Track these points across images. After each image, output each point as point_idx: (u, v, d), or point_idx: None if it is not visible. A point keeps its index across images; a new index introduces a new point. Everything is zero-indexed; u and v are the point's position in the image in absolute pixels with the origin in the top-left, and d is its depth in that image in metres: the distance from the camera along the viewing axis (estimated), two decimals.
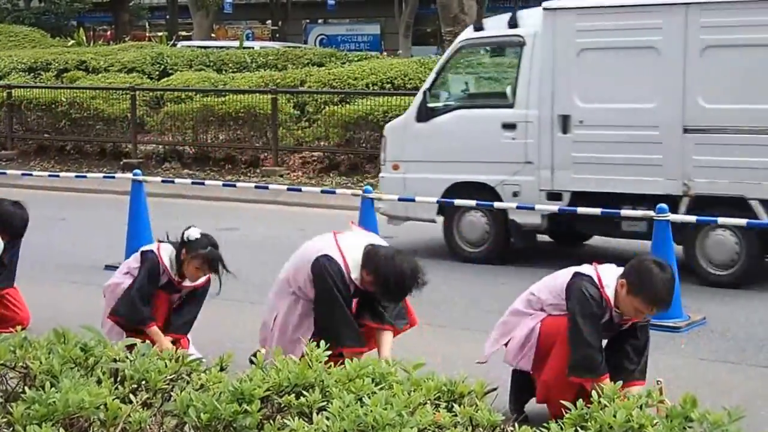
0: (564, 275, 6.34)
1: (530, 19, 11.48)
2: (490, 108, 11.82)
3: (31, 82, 22.06)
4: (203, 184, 14.07)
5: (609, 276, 6.16)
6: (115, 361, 3.99)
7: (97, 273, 10.84)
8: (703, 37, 10.35)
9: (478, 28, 12.09)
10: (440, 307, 9.50)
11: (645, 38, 10.69)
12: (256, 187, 13.70)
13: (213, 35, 41.20)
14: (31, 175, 15.65)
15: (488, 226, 11.62)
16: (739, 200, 10.27)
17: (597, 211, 10.06)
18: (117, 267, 9.95)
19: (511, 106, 11.46)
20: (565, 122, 11.02)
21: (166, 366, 3.90)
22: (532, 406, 6.44)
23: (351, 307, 6.67)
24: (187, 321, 7.55)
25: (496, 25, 11.96)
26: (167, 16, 45.87)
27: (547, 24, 11.17)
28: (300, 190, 13.70)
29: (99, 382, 3.75)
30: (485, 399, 3.76)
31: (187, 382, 3.88)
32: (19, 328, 4.42)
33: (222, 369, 3.97)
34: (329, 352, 3.96)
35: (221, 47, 25.89)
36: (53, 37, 30.61)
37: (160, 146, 19.65)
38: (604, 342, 6.27)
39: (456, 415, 3.51)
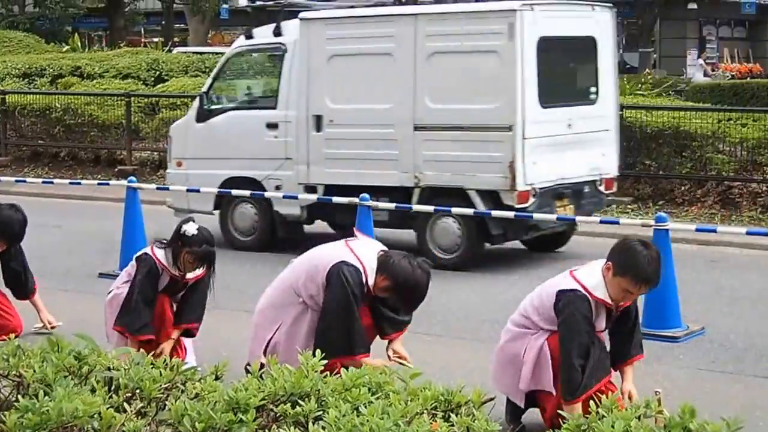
0: (548, 293, 6.26)
1: (292, 28, 12.58)
2: (256, 109, 13.12)
3: (25, 87, 22.05)
4: (198, 191, 14.01)
5: (591, 277, 6.13)
6: (109, 369, 3.96)
7: (92, 281, 10.82)
8: (429, 44, 11.61)
9: (249, 36, 13.31)
10: (436, 316, 9.47)
11: (382, 45, 11.94)
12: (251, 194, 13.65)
13: (209, 41, 41.20)
14: (24, 181, 15.64)
15: (257, 217, 12.77)
16: (459, 191, 11.50)
17: (313, 197, 11.91)
18: (112, 275, 9.98)
19: (274, 107, 12.63)
20: (318, 122, 12.23)
21: (160, 375, 3.87)
22: (529, 416, 6.41)
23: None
24: (197, 309, 7.63)
25: (264, 34, 13.10)
26: (163, 22, 45.84)
27: (303, 33, 12.35)
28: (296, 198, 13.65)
29: (93, 390, 3.72)
30: (482, 409, 3.73)
31: (182, 391, 3.85)
32: (12, 335, 4.38)
33: (217, 378, 3.94)
34: (325, 361, 3.92)
35: (217, 53, 25.86)
36: (48, 42, 30.59)
37: (155, 153, 19.58)
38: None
39: (453, 425, 3.49)
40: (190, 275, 7.46)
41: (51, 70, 22.79)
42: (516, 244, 12.21)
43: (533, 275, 11.06)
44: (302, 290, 6.64)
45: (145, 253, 7.42)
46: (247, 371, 4.10)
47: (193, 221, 7.41)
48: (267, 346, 6.65)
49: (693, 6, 42.96)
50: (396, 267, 6.47)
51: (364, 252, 6.60)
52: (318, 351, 4.03)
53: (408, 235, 12.03)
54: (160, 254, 7.35)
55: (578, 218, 11.28)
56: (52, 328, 8.60)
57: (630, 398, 6.06)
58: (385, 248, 6.77)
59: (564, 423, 3.50)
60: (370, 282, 6.48)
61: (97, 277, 10.93)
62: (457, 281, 10.95)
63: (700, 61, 38.57)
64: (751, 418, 6.33)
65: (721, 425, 3.34)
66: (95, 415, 3.52)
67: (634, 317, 6.34)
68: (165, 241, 7.41)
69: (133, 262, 7.54)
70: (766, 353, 8.38)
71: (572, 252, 12.58)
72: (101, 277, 10.84)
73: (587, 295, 6.04)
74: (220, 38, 48.56)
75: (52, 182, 14.92)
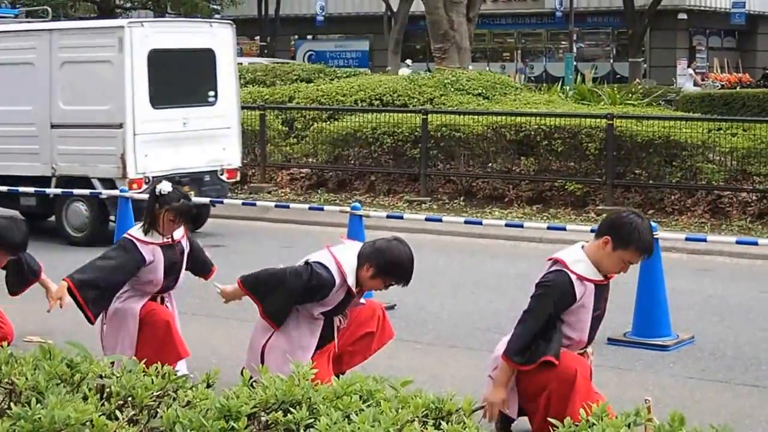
0: None
1: None
2: None
3: None
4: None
5: (571, 255, 6.22)
6: (101, 377, 3.96)
7: None
8: (61, 55, 14.02)
9: None
10: (427, 325, 9.49)
11: (26, 56, 14.32)
12: (243, 203, 13.67)
13: None
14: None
15: None
16: (86, 179, 13.83)
17: None
18: None
19: None
20: None
21: (152, 382, 3.88)
22: (519, 425, 6.41)
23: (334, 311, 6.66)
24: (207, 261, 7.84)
25: None
26: None
27: None
28: (288, 207, 13.69)
29: (85, 398, 3.72)
30: (473, 417, 3.74)
31: (174, 399, 3.85)
32: (5, 343, 4.39)
33: (209, 386, 3.95)
34: (315, 370, 3.94)
35: None
36: None
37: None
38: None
39: None
40: (177, 235, 7.47)
41: None
42: (509, 256, 12.20)
43: (525, 283, 11.09)
44: None
45: (125, 237, 7.45)
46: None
47: (166, 180, 7.46)
48: (262, 354, 6.66)
49: (683, 16, 43.12)
50: (371, 251, 6.53)
51: (344, 254, 6.63)
52: (309, 360, 4.06)
53: None
54: (138, 233, 7.38)
55: (570, 227, 11.28)
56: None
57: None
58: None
59: (554, 431, 3.52)
60: (350, 280, 6.51)
61: None
62: (449, 290, 10.98)
63: (690, 70, 38.68)
64: (740, 427, 6.36)
65: None
66: (87, 423, 3.52)
67: None
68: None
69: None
70: (755, 362, 8.41)
71: None
72: None
73: (567, 271, 6.12)
74: None
75: (44, 191, 14.88)
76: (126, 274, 7.31)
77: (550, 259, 6.35)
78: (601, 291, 6.23)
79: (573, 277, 6.13)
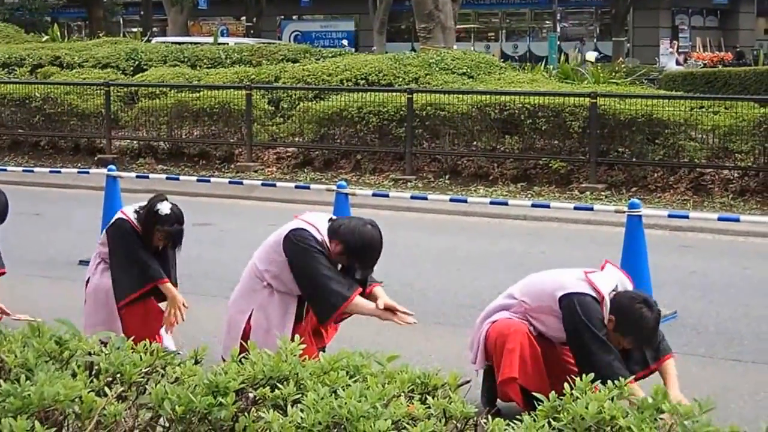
0: (549, 282, 6.36)
1: None
2: None
3: (5, 77, 21.94)
4: (178, 179, 14.04)
5: (606, 288, 6.20)
6: (90, 354, 4.00)
7: (72, 268, 10.84)
8: None
9: None
10: (413, 302, 9.53)
11: None
12: (230, 182, 13.71)
13: (188, 31, 41.11)
14: (5, 170, 15.57)
15: None
16: None
17: None
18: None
19: None
20: None
21: (141, 359, 3.92)
22: (503, 403, 6.47)
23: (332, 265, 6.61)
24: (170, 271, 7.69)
25: None
26: (141, 12, 45.71)
27: None
28: (274, 186, 13.69)
29: (74, 375, 3.76)
30: (459, 391, 3.78)
31: (162, 375, 3.89)
32: None
33: (197, 362, 3.99)
34: (303, 346, 3.98)
35: (195, 43, 25.82)
36: (27, 32, 30.42)
37: (135, 142, 19.59)
38: None
39: (429, 407, 3.54)
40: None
41: (30, 60, 22.69)
42: (493, 233, 12.25)
43: (509, 261, 11.16)
44: (265, 275, 6.68)
45: (119, 218, 7.46)
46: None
47: (167, 200, 7.48)
48: (243, 335, 6.67)
49: None
50: (346, 230, 6.54)
51: (314, 219, 6.69)
52: (297, 336, 4.10)
53: None
54: (133, 217, 7.42)
55: (554, 204, 11.35)
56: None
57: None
58: (333, 216, 6.87)
59: (539, 405, 3.57)
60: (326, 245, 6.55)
61: (77, 264, 10.94)
62: (434, 267, 11.02)
63: (672, 50, 38.72)
64: (722, 401, 6.42)
65: (693, 406, 3.41)
66: (76, 399, 3.55)
67: None
68: (139, 210, 7.45)
69: (103, 236, 7.57)
70: (737, 337, 8.49)
71: (549, 237, 12.69)
72: (81, 264, 10.85)
73: (600, 301, 6.14)
74: (198, 28, 48.49)
75: (32, 170, 14.90)
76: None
77: (587, 283, 6.24)
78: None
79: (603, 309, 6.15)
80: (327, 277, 6.46)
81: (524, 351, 6.22)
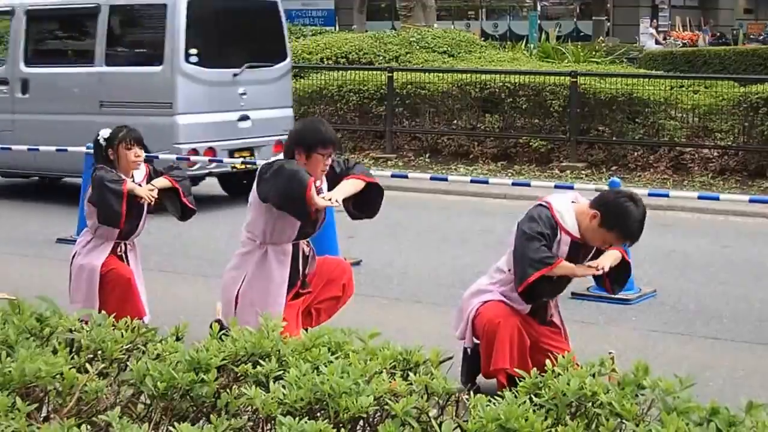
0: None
1: None
2: None
3: None
4: (157, 157, 13.97)
5: (559, 202, 6.24)
6: (71, 331, 3.99)
7: (50, 246, 10.81)
8: None
9: None
10: (393, 280, 9.54)
11: None
12: (210, 160, 13.64)
13: None
14: None
15: None
16: None
17: None
18: (70, 240, 9.96)
19: None
20: None
21: (122, 336, 3.91)
22: (483, 379, 6.49)
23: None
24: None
25: None
26: None
27: None
28: (254, 164, 13.64)
29: (55, 351, 3.74)
30: (440, 368, 3.79)
31: (143, 352, 3.88)
32: None
33: (178, 339, 3.97)
34: (285, 323, 3.97)
35: None
36: None
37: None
38: None
39: (411, 384, 3.54)
40: (138, 175, 7.50)
41: None
42: (473, 212, 12.26)
43: (490, 240, 11.17)
44: (255, 230, 6.66)
45: (95, 169, 7.44)
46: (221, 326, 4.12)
47: (103, 129, 7.50)
48: (236, 301, 6.67)
49: None
50: (291, 134, 6.71)
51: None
52: (279, 313, 4.11)
53: None
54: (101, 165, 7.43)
55: (534, 183, 11.37)
56: None
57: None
58: None
59: (521, 381, 3.58)
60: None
61: (55, 242, 10.91)
62: (414, 246, 11.03)
63: (651, 29, 38.75)
64: (701, 378, 6.45)
65: (674, 382, 3.42)
66: (57, 376, 3.54)
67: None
68: (98, 160, 7.45)
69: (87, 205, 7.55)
70: (716, 315, 8.52)
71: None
72: (59, 242, 10.83)
73: (551, 212, 6.17)
74: None
75: (9, 149, 14.77)
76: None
77: (539, 201, 6.34)
78: (577, 249, 6.25)
79: (556, 217, 6.17)
80: (294, 170, 6.39)
81: (513, 342, 6.24)
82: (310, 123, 6.80)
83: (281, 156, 6.78)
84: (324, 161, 6.57)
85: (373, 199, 6.92)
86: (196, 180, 13.24)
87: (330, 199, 6.47)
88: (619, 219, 6.08)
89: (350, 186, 6.70)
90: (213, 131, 13.21)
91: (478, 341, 6.44)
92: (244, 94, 13.51)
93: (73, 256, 7.56)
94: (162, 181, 7.48)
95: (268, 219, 6.61)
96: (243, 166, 12.70)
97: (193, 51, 13.00)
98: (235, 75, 13.44)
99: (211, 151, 13.12)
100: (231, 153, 13.34)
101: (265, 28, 14.15)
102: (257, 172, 6.60)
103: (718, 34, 40.45)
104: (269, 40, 14.10)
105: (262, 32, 14.15)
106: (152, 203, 7.40)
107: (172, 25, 12.82)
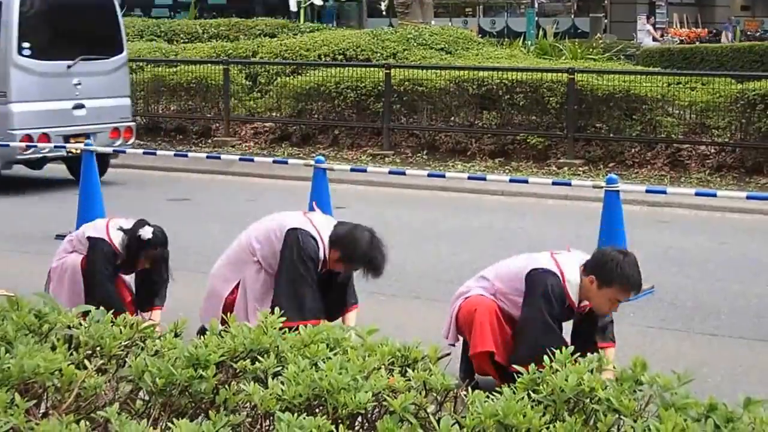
0: (519, 265, 6.38)
1: None
2: None
3: None
4: (155, 154, 14.01)
5: (571, 270, 6.20)
6: (69, 327, 3.99)
7: (48, 243, 10.78)
8: None
9: None
10: (391, 277, 9.52)
11: None
12: (207, 157, 13.65)
13: None
14: None
15: None
16: None
17: None
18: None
19: None
20: None
21: (120, 332, 3.91)
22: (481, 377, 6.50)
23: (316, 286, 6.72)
24: (159, 290, 7.63)
25: None
26: None
27: None
28: (252, 161, 13.65)
29: (53, 348, 3.75)
30: (438, 364, 3.79)
31: (142, 349, 3.89)
32: None
33: (176, 335, 3.98)
34: (283, 319, 3.98)
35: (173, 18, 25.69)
36: None
37: None
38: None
39: (410, 380, 3.55)
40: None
41: None
42: (471, 208, 12.25)
43: (487, 236, 11.18)
44: (257, 251, 6.76)
45: (102, 239, 7.39)
46: (202, 333, 4.14)
47: (148, 224, 7.41)
48: (225, 305, 6.73)
49: None
50: (343, 237, 6.67)
51: (320, 223, 6.73)
52: (276, 309, 4.12)
53: None
54: (116, 239, 7.36)
55: (531, 180, 11.37)
56: None
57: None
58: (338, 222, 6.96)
59: (519, 377, 3.58)
60: (324, 255, 6.64)
61: (53, 239, 10.90)
62: (412, 242, 11.03)
63: (648, 26, 38.72)
64: (699, 374, 6.44)
65: (672, 378, 3.43)
66: (56, 372, 3.55)
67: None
68: (123, 233, 7.39)
69: (84, 239, 7.50)
70: (713, 311, 8.53)
71: (527, 212, 12.70)
72: (58, 238, 10.81)
73: (563, 285, 6.16)
74: None
75: (8, 145, 14.76)
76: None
77: (551, 261, 6.27)
78: (570, 314, 6.28)
79: (567, 291, 6.18)
80: (309, 288, 6.59)
81: (493, 325, 6.26)
82: (368, 250, 6.70)
83: (323, 224, 6.80)
84: (352, 273, 6.82)
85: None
86: (37, 163, 14.61)
87: None
88: (613, 273, 6.07)
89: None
90: (47, 118, 14.19)
91: (462, 336, 6.48)
92: (78, 84, 14.58)
93: (54, 263, 7.58)
94: (158, 316, 7.53)
95: (274, 264, 6.73)
96: (77, 151, 12.75)
97: (26, 44, 13.99)
98: (69, 66, 14.49)
99: (45, 136, 14.03)
100: (66, 138, 14.26)
101: (101, 22, 15.21)
102: (286, 232, 6.67)
103: (714, 31, 40.43)
104: (104, 34, 15.19)
105: (97, 27, 15.24)
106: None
107: (6, 19, 13.84)
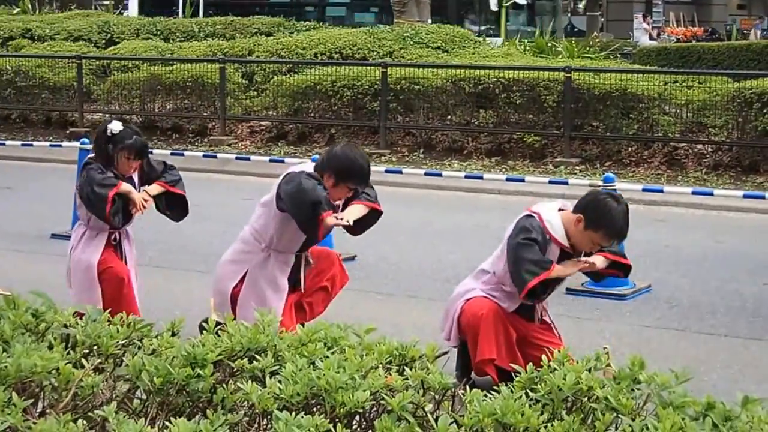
0: (503, 241, 6.42)
1: None
2: None
3: None
4: (151, 152, 13.97)
5: (547, 212, 6.27)
6: (66, 326, 3.98)
7: (44, 242, 10.79)
8: None
9: None
10: (388, 275, 9.55)
11: None
12: (204, 156, 13.66)
13: None
14: None
15: None
16: None
17: None
18: (64, 236, 9.96)
19: None
20: None
21: (117, 331, 3.91)
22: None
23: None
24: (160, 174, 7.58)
25: None
26: None
27: None
28: (249, 160, 13.67)
29: (51, 347, 3.74)
30: (436, 363, 3.79)
31: (139, 348, 3.88)
32: None
33: (174, 334, 3.98)
34: (280, 318, 3.98)
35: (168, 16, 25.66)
36: None
37: (107, 115, 19.45)
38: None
39: (407, 379, 3.55)
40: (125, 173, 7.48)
41: (1, 32, 22.51)
42: (468, 207, 12.27)
43: (484, 235, 11.18)
44: (258, 231, 6.71)
45: (87, 163, 7.39)
46: (203, 328, 4.13)
47: (116, 119, 7.38)
48: (233, 298, 6.71)
49: None
50: (325, 159, 6.65)
51: (302, 166, 6.78)
52: (273, 309, 4.12)
53: None
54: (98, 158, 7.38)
55: (528, 178, 11.38)
56: None
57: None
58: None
59: (516, 376, 3.58)
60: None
61: (49, 238, 10.90)
62: (409, 241, 11.03)
63: (644, 24, 38.75)
64: (695, 374, 6.43)
65: (669, 376, 3.43)
66: (53, 371, 3.54)
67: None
68: (97, 146, 7.37)
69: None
70: (710, 310, 8.54)
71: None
72: (54, 238, 10.82)
73: (541, 224, 6.19)
74: None
75: (4, 144, 14.76)
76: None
77: (527, 210, 6.35)
78: (565, 258, 6.28)
79: (546, 227, 6.20)
80: (313, 188, 6.43)
81: (499, 333, 6.27)
82: (354, 156, 6.68)
83: (308, 166, 6.75)
84: (349, 192, 6.70)
85: (369, 222, 6.93)
86: None
87: (342, 219, 6.50)
88: (603, 218, 6.11)
89: (362, 210, 6.77)
90: None
91: (464, 338, 6.47)
92: None
93: (71, 250, 7.55)
94: (156, 188, 7.46)
95: (279, 228, 6.69)
96: None
97: None
98: None
99: None
100: None
101: None
102: (279, 182, 6.63)
103: (710, 29, 40.47)
104: None
105: None
106: (143, 212, 7.39)
107: None
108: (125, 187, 7.25)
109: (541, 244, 6.18)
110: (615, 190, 9.05)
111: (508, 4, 28.90)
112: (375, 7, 29.80)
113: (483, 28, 28.40)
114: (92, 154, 7.48)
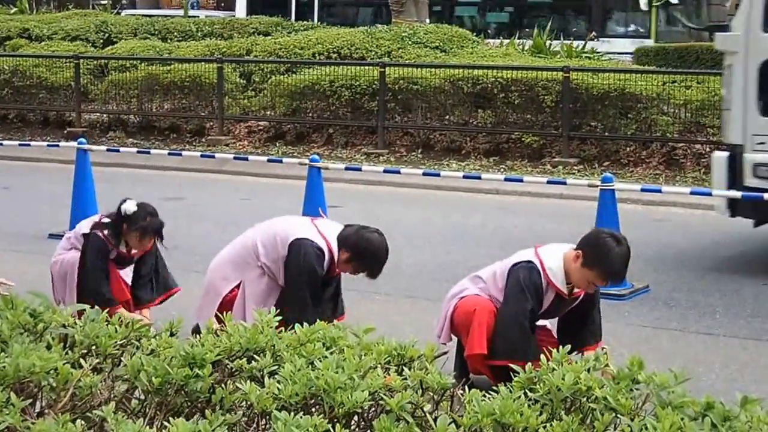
0: (506, 263, 6.43)
1: None
2: None
3: None
4: (149, 152, 14.00)
5: (551, 257, 6.23)
6: (64, 326, 3.98)
7: (41, 242, 10.78)
8: None
9: None
10: (386, 276, 9.50)
11: None
12: (201, 155, 13.63)
13: (158, 4, 40.81)
14: None
15: None
16: None
17: None
18: (62, 236, 9.93)
19: None
20: None
21: (116, 331, 3.90)
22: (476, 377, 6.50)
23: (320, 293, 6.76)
24: (147, 284, 7.61)
25: None
26: None
27: None
28: (246, 159, 13.65)
29: (49, 347, 3.73)
30: (435, 363, 3.79)
31: (137, 348, 3.87)
32: None
33: (172, 334, 3.97)
34: (279, 318, 3.98)
35: (166, 16, 25.66)
36: None
37: (105, 115, 19.47)
38: (555, 320, 6.40)
39: (406, 379, 3.54)
40: (135, 251, 7.48)
41: None
42: (466, 207, 12.26)
43: (482, 235, 11.18)
44: (261, 256, 6.77)
45: (94, 233, 7.37)
46: (196, 332, 4.13)
47: (130, 199, 7.36)
48: (222, 303, 6.73)
49: None
50: (353, 237, 6.67)
51: (328, 231, 6.73)
52: (273, 309, 4.12)
53: None
54: (107, 232, 7.35)
55: (526, 178, 11.38)
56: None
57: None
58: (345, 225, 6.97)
59: (515, 376, 3.58)
60: (333, 258, 6.65)
61: (46, 238, 10.89)
62: (407, 241, 11.02)
63: None
64: (694, 374, 6.41)
65: (668, 376, 3.42)
66: (52, 371, 3.53)
67: (590, 307, 6.46)
68: (109, 220, 7.36)
69: (79, 235, 7.50)
70: (708, 311, 8.54)
71: (521, 211, 12.71)
72: (51, 237, 10.80)
73: (542, 273, 6.16)
74: (168, 1, 48.14)
75: (1, 144, 14.74)
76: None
77: (532, 253, 6.32)
78: (559, 302, 6.29)
79: (544, 282, 6.18)
80: (302, 305, 6.56)
81: (490, 327, 6.27)
82: (379, 248, 6.79)
83: (311, 232, 6.79)
84: (355, 273, 6.85)
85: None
86: None
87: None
88: (601, 257, 6.08)
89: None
90: None
91: (458, 336, 6.49)
92: None
93: (53, 264, 7.58)
94: (149, 312, 7.55)
95: (277, 270, 6.77)
96: None
97: None
98: None
99: None
100: None
101: None
102: (290, 243, 6.67)
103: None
104: None
105: None
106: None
107: None
108: (123, 312, 7.19)
109: (534, 308, 6.19)
110: (613, 190, 9.06)
111: (659, 3, 27.22)
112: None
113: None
114: (99, 234, 7.40)
